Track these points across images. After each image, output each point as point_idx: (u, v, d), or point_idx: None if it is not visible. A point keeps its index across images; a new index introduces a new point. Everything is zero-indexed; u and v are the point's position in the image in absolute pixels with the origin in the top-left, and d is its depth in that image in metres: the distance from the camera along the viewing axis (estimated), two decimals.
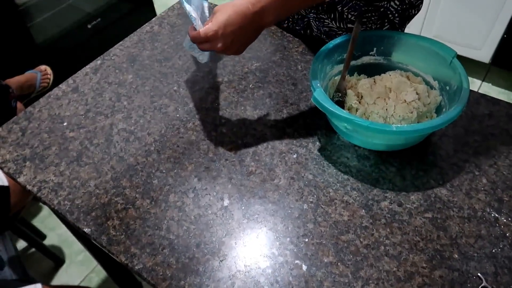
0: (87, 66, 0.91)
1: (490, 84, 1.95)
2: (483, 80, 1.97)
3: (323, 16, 0.86)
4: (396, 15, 0.82)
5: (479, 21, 1.73)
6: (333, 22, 0.85)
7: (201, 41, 0.63)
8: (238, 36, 0.63)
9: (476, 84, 1.95)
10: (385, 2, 0.79)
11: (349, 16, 0.82)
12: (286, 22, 0.98)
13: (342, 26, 0.84)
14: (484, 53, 1.82)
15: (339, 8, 0.81)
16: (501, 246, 0.57)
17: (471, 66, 1.95)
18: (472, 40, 1.81)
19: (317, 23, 0.89)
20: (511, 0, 1.61)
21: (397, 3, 0.80)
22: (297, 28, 0.97)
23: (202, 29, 0.62)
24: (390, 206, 0.63)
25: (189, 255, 0.59)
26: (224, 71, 0.87)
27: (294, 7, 0.66)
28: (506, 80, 1.95)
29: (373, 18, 0.82)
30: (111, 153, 0.73)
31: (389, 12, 0.81)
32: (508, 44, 1.74)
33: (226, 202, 0.65)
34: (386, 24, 0.83)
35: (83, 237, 0.93)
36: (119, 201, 0.66)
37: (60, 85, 0.88)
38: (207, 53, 0.71)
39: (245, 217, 0.63)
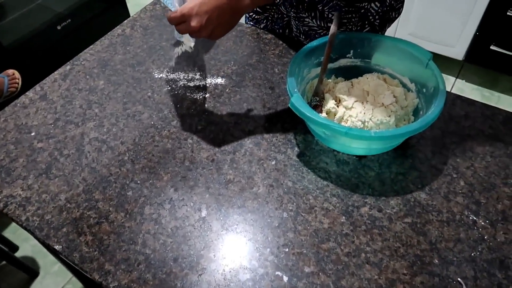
0: (55, 72, 0.87)
1: (463, 81, 1.99)
2: (457, 77, 2.01)
3: (303, 15, 0.84)
4: (377, 17, 0.81)
5: (452, 20, 1.76)
6: (313, 20, 0.84)
7: (177, 22, 0.63)
8: (212, 16, 0.62)
9: (450, 81, 1.99)
10: (366, 3, 0.79)
11: (330, 15, 0.81)
12: (265, 21, 0.97)
13: (322, 25, 0.83)
14: (457, 50, 1.86)
15: (320, 7, 0.80)
16: (479, 250, 0.57)
17: (445, 63, 1.99)
18: (446, 38, 1.84)
19: (297, 22, 0.88)
20: None
21: (378, 4, 0.80)
22: (276, 27, 0.96)
23: (179, 8, 0.62)
24: (370, 212, 0.62)
25: (166, 270, 0.57)
26: (199, 76, 0.85)
27: None
28: (479, 77, 1.99)
29: (353, 20, 0.81)
30: (82, 164, 0.70)
31: (369, 14, 0.80)
32: (480, 41, 1.77)
33: (204, 213, 0.63)
34: (367, 26, 0.83)
35: (55, 252, 0.89)
36: (91, 215, 0.63)
37: (27, 93, 0.83)
38: (192, 40, 0.75)
39: (224, 228, 0.61)
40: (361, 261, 0.57)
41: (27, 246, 1.48)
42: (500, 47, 1.73)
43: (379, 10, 0.80)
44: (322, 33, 0.86)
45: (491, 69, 1.87)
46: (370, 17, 0.81)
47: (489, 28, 1.72)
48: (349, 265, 0.56)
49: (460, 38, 1.80)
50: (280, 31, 0.96)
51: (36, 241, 1.44)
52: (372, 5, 0.79)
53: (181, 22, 0.63)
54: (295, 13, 0.86)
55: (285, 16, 0.93)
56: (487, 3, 1.64)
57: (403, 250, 0.58)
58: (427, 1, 1.76)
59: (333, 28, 0.73)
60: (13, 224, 1.54)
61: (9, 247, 1.44)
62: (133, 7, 2.32)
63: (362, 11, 0.80)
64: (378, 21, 0.82)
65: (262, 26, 0.99)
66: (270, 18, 0.96)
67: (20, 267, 1.36)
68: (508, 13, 1.61)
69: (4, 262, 1.43)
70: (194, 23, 0.61)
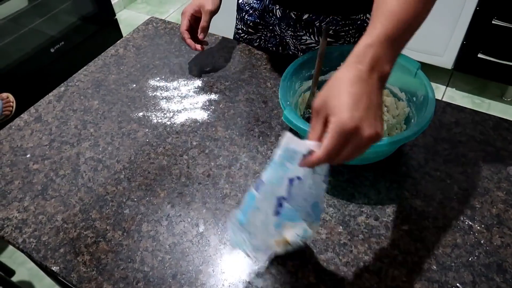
0: (50, 94, 0.88)
1: (454, 89, 2.02)
2: (447, 85, 2.04)
3: (300, 33, 0.86)
4: None
5: (440, 30, 1.80)
6: (311, 37, 0.85)
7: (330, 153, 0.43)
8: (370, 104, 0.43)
9: (441, 90, 2.02)
10: (361, 15, 0.81)
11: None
12: (257, 40, 0.98)
13: (320, 40, 0.85)
14: (446, 59, 1.89)
15: (317, 24, 0.82)
16: (476, 254, 0.58)
17: (435, 72, 2.02)
18: (434, 48, 1.87)
19: (294, 41, 0.89)
20: (468, 8, 1.68)
21: None
22: (269, 45, 0.97)
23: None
24: (367, 221, 0.62)
25: (165, 287, 0.57)
26: (193, 93, 0.86)
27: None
28: (468, 84, 2.02)
29: (351, 32, 0.83)
30: (78, 184, 0.70)
31: (365, 25, 0.83)
32: (468, 50, 1.81)
33: (201, 228, 0.63)
34: None
35: (52, 274, 0.88)
36: (89, 235, 0.63)
37: (21, 115, 0.84)
38: (262, 257, 0.53)
39: (222, 242, 0.61)
40: (360, 270, 0.57)
41: (24, 270, 1.46)
42: (487, 55, 1.76)
43: None
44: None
45: (479, 76, 1.90)
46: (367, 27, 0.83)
47: (475, 37, 1.75)
48: (348, 275, 0.56)
49: (448, 48, 1.84)
50: (273, 48, 0.98)
51: (32, 265, 1.42)
52: (368, 15, 0.82)
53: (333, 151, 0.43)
54: (292, 31, 0.87)
55: (277, 36, 0.94)
56: (472, 13, 1.68)
57: (401, 257, 0.58)
58: None
59: (322, 41, 0.75)
60: (9, 248, 1.52)
61: (5, 272, 1.42)
62: (125, 27, 2.35)
63: (359, 22, 0.82)
64: None
65: (255, 45, 1.00)
66: (263, 38, 0.97)
67: None
68: (493, 22, 1.65)
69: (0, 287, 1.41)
70: (367, 128, 0.42)
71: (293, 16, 0.84)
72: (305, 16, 0.82)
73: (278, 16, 0.87)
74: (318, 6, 0.81)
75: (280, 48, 0.97)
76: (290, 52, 0.94)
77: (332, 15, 0.81)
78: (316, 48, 0.87)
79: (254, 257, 0.50)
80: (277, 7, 0.85)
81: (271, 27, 0.93)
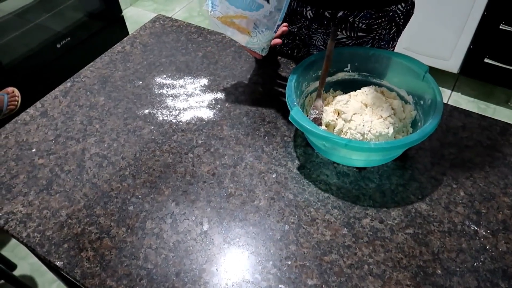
0: (56, 89, 0.88)
1: (459, 93, 2.01)
2: (452, 90, 2.03)
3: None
4: (402, 17, 0.84)
5: (446, 34, 1.79)
6: (343, 31, 0.85)
7: None
8: None
9: (446, 94, 2.01)
10: (394, 6, 0.81)
11: (360, 25, 0.83)
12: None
13: (352, 35, 0.85)
14: (452, 64, 1.88)
15: (351, 19, 0.82)
16: (482, 259, 0.57)
17: (440, 76, 2.01)
18: (440, 52, 1.87)
19: (325, 37, 0.89)
20: (475, 13, 1.67)
21: (403, 5, 0.82)
22: (285, 49, 0.97)
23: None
24: (372, 223, 0.62)
25: (168, 285, 0.56)
26: (199, 91, 0.86)
27: None
28: (474, 89, 2.02)
29: (383, 24, 0.83)
30: (83, 180, 0.70)
31: (396, 16, 0.83)
32: (474, 55, 1.80)
33: (205, 227, 0.63)
34: (393, 27, 0.85)
35: (55, 269, 0.88)
36: (93, 231, 0.63)
37: (27, 110, 0.84)
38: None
39: (226, 241, 0.61)
40: (364, 273, 0.57)
41: (25, 264, 1.46)
42: (494, 60, 1.76)
43: (404, 10, 0.83)
44: (350, 44, 0.87)
45: (486, 81, 1.89)
46: (397, 18, 0.83)
47: (482, 42, 1.75)
48: (352, 277, 0.56)
49: (454, 52, 1.83)
50: (289, 52, 0.97)
51: (34, 259, 1.42)
52: (399, 6, 0.82)
53: None
54: (324, 29, 0.87)
55: (297, 38, 0.93)
56: (479, 17, 1.68)
57: (405, 261, 0.58)
58: (421, 16, 1.79)
59: (330, 43, 0.74)
60: (11, 242, 1.53)
61: (7, 266, 1.42)
62: (131, 25, 2.35)
63: (391, 14, 0.82)
64: (402, 20, 0.84)
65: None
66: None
67: (18, 285, 1.34)
68: (500, 27, 1.64)
69: (2, 281, 1.41)
70: None
71: (327, 15, 0.83)
72: (340, 14, 0.82)
73: (309, 17, 0.86)
74: (354, 2, 0.80)
75: (296, 51, 0.97)
76: (299, 55, 0.93)
77: (367, 9, 0.80)
78: (347, 42, 0.86)
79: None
80: (308, 9, 0.85)
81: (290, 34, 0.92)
